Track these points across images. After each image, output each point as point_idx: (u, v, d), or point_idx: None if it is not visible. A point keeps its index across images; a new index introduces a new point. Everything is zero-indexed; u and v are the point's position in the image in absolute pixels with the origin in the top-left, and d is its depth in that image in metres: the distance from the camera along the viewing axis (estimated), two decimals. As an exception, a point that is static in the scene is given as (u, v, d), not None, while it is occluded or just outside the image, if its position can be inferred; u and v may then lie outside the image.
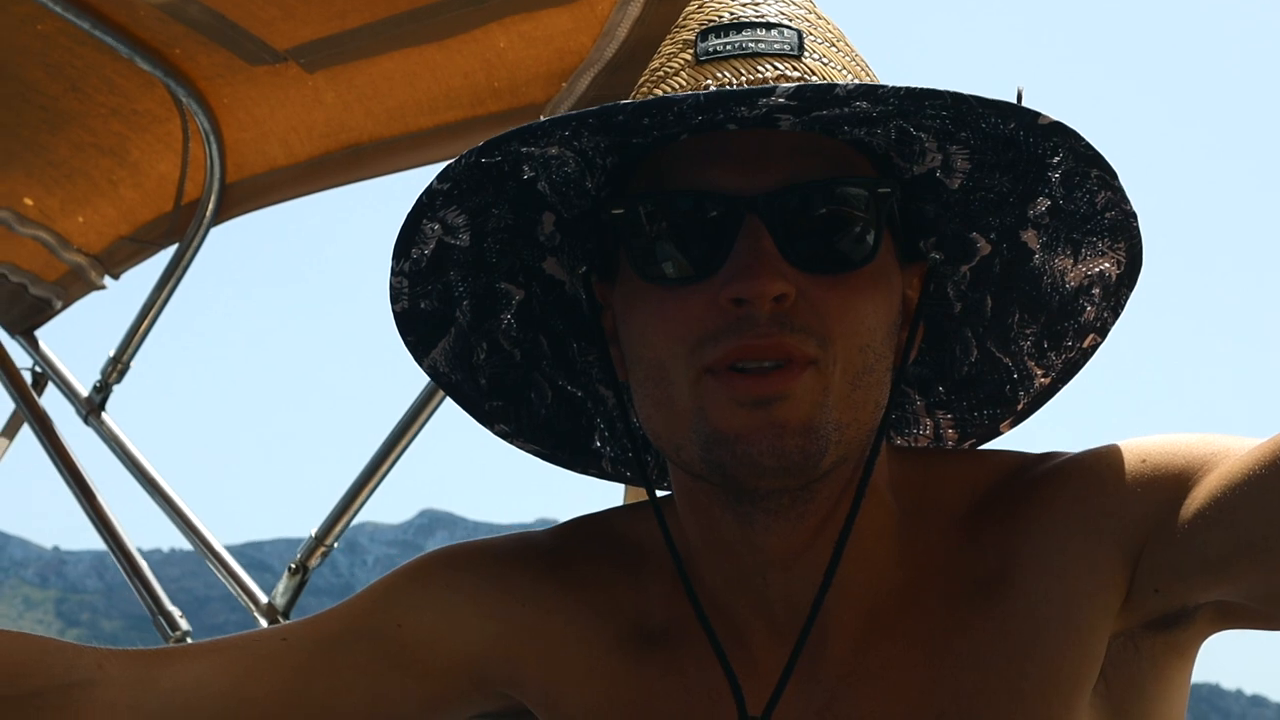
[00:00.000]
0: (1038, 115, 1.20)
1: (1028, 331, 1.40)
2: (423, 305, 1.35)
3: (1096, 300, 1.37)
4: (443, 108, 2.74)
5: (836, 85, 1.15)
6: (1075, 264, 1.35)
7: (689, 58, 1.29)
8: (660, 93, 1.28)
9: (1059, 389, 1.44)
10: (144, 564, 2.90)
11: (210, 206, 2.88)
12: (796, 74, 1.25)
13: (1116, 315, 1.38)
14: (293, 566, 2.74)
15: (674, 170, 1.25)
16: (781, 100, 1.15)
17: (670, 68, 1.30)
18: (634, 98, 1.32)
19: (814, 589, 1.28)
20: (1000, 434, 1.49)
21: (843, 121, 1.24)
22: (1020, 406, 1.46)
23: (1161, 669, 1.32)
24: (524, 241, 1.35)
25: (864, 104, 1.18)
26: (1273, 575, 1.16)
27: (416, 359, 1.39)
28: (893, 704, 1.29)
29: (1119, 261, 1.34)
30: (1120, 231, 1.31)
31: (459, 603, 1.40)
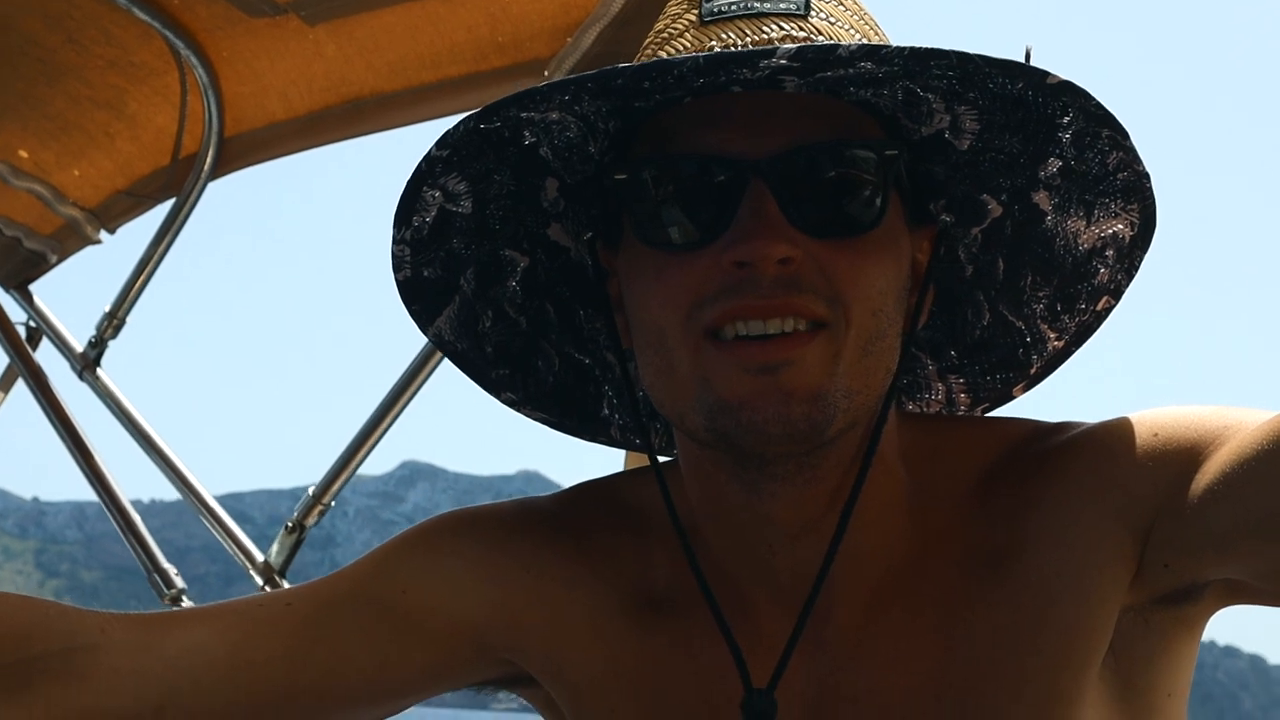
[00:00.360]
0: (1046, 74, 1.19)
1: (1040, 294, 1.39)
2: (426, 273, 1.33)
3: (1110, 262, 1.35)
4: (445, 62, 2.71)
5: (839, 46, 1.13)
6: (1088, 225, 1.33)
7: (693, 18, 1.27)
8: (665, 54, 1.26)
9: (1072, 352, 1.43)
10: (139, 520, 2.88)
11: (208, 160, 2.85)
12: (803, 34, 1.23)
13: (1130, 277, 1.36)
14: (289, 525, 2.73)
15: (677, 133, 1.24)
16: (783, 62, 1.13)
17: (674, 29, 1.28)
18: (639, 60, 1.30)
19: (820, 558, 1.27)
20: (1013, 398, 1.48)
21: (848, 83, 1.22)
22: (1033, 370, 1.45)
23: (1170, 642, 1.32)
24: (527, 208, 1.34)
25: (869, 65, 1.16)
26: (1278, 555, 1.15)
27: (421, 328, 1.38)
28: (900, 675, 1.29)
29: (1132, 223, 1.32)
30: (1133, 192, 1.30)
31: (463, 569, 1.39)
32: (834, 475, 1.26)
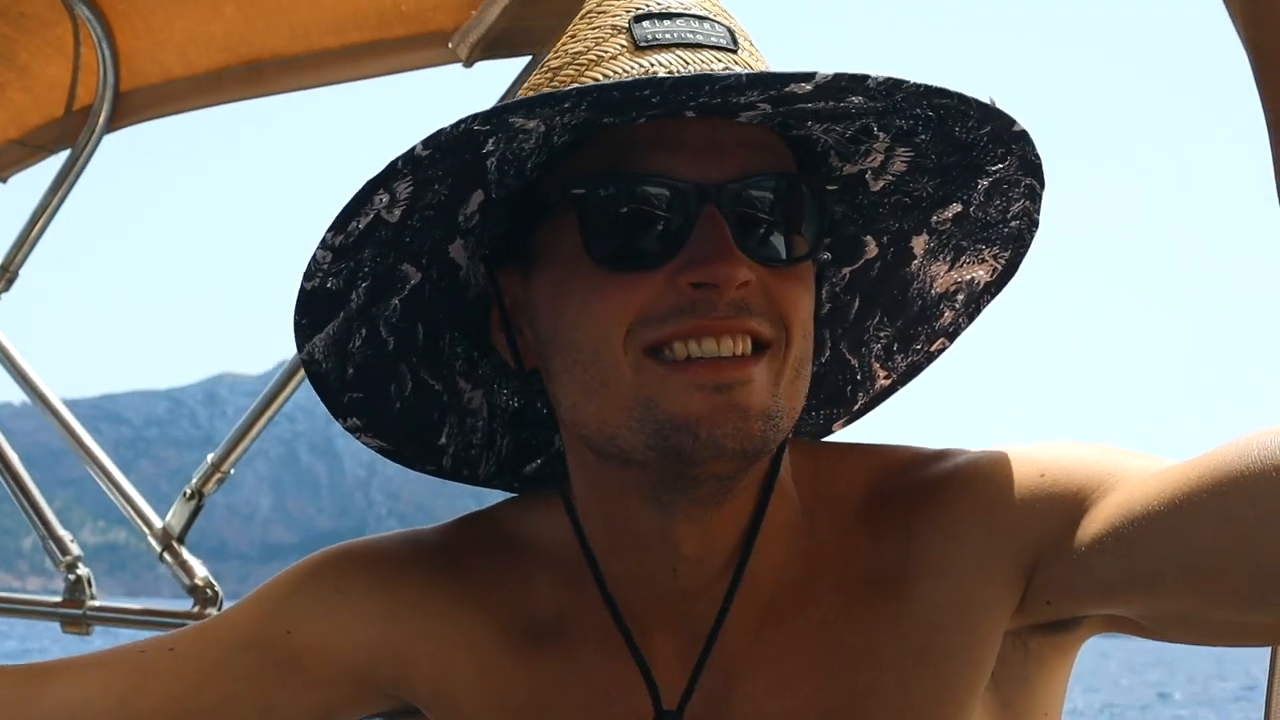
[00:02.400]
0: (1013, 122, 1.22)
1: (881, 334, 1.42)
2: (329, 285, 1.29)
3: (957, 306, 1.39)
4: (348, 28, 2.70)
5: (868, 76, 1.14)
6: (949, 270, 1.37)
7: (624, 43, 1.26)
8: (599, 75, 1.25)
9: (897, 390, 1.47)
10: (34, 489, 2.86)
11: (103, 113, 2.81)
12: (739, 68, 1.23)
13: (970, 321, 1.40)
14: (188, 492, 2.72)
15: (629, 154, 1.23)
16: (805, 87, 1.14)
17: (603, 52, 1.27)
18: (560, 84, 1.27)
19: (719, 581, 1.30)
20: (831, 432, 1.50)
21: (816, 116, 1.24)
22: (856, 407, 1.48)
23: (1047, 665, 1.36)
24: (442, 220, 1.31)
25: (858, 99, 1.19)
26: (1161, 603, 1.20)
27: (299, 342, 1.34)
28: (786, 698, 1.32)
29: (994, 270, 1.36)
30: (1012, 240, 1.34)
31: (349, 608, 1.39)
32: (742, 498, 1.28)
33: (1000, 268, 1.36)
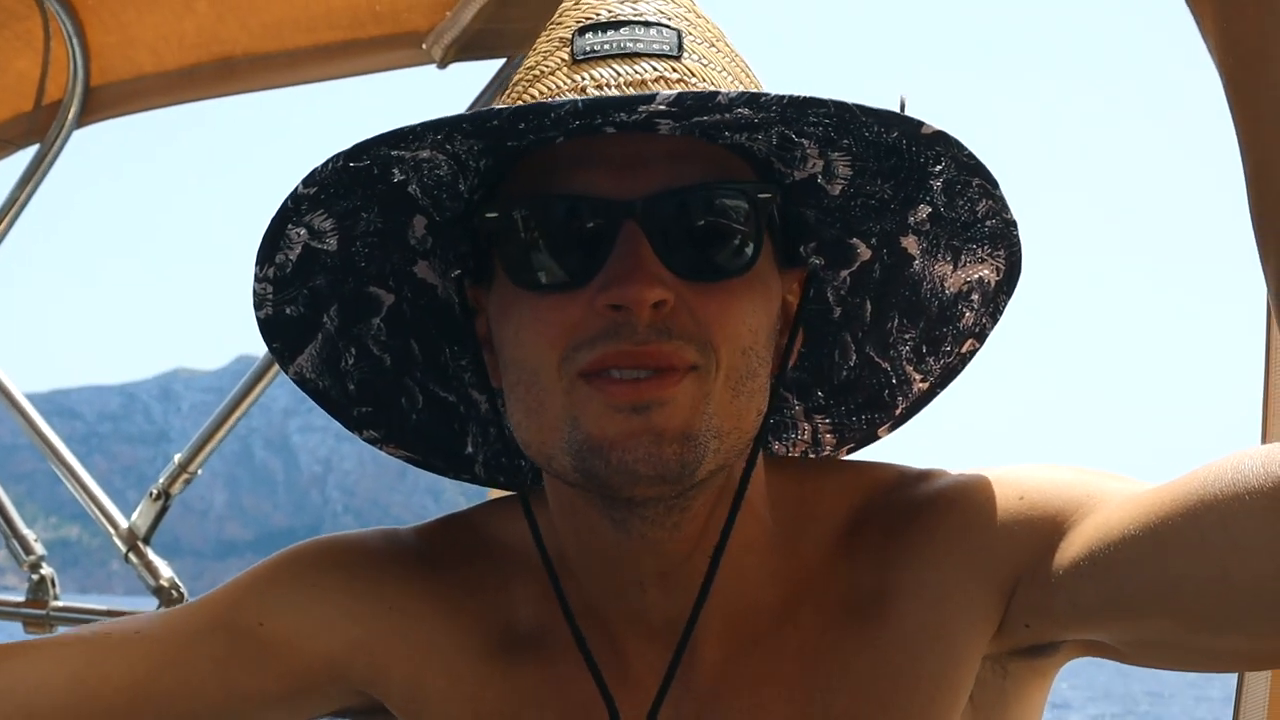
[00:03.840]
0: (921, 124, 1.19)
1: (906, 336, 1.41)
2: (288, 311, 1.30)
3: (975, 306, 1.38)
4: (322, 27, 2.69)
5: (718, 93, 1.12)
6: (955, 270, 1.36)
7: (565, 56, 1.25)
8: (536, 92, 1.25)
9: (936, 394, 1.45)
10: (-1, 489, 2.84)
11: (73, 108, 2.80)
12: (675, 75, 1.23)
13: (995, 321, 1.39)
14: (154, 493, 2.70)
15: (550, 173, 1.22)
16: (661, 107, 1.12)
17: (546, 66, 1.27)
18: (508, 99, 1.28)
19: (690, 600, 1.28)
20: (878, 438, 1.50)
21: (724, 127, 1.21)
22: (898, 411, 1.47)
23: (1024, 689, 1.36)
24: (395, 244, 1.30)
25: (746, 110, 1.15)
26: (1138, 628, 1.20)
27: (282, 365, 1.34)
28: (763, 719, 1.31)
29: (998, 268, 1.34)
30: (1000, 239, 1.32)
31: (325, 604, 1.37)
32: (700, 517, 1.27)
33: (1002, 266, 1.35)
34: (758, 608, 1.32)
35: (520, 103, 1.23)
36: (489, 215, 1.22)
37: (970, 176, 1.26)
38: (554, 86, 1.23)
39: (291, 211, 1.21)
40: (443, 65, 2.67)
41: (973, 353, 1.42)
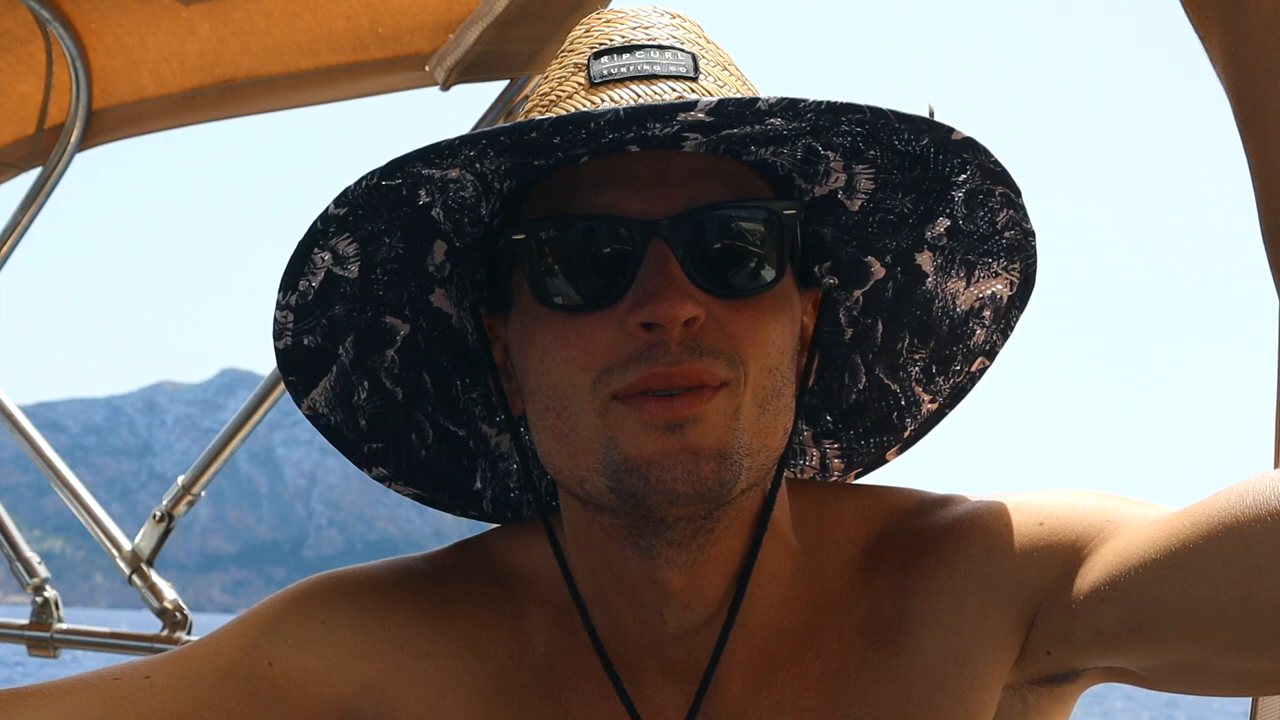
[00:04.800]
0: (951, 130, 1.20)
1: (917, 357, 1.41)
2: (306, 342, 1.28)
3: (987, 323, 1.38)
4: (324, 50, 2.70)
5: (758, 99, 1.12)
6: (968, 286, 1.36)
7: (582, 81, 1.26)
8: (555, 115, 1.22)
9: (946, 414, 1.45)
10: (1, 511, 2.83)
11: (75, 131, 2.80)
12: (695, 95, 1.23)
13: (1005, 338, 1.39)
14: (158, 514, 2.70)
15: (574, 194, 1.22)
16: (700, 116, 1.12)
17: (562, 91, 1.27)
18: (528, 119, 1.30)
19: (710, 626, 1.28)
20: (886, 461, 1.49)
21: (749, 140, 1.22)
22: (907, 433, 1.46)
23: (1046, 714, 1.36)
24: (413, 273, 1.30)
25: (778, 121, 1.16)
26: (1161, 652, 1.20)
27: (296, 400, 1.33)
28: None
29: (1011, 282, 1.35)
30: (1017, 251, 1.32)
31: (334, 642, 1.35)
32: (728, 540, 1.26)
33: (1016, 280, 1.35)
34: (780, 634, 1.32)
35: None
36: (515, 237, 1.22)
37: (994, 185, 1.26)
38: (575, 108, 1.23)
39: (320, 234, 1.20)
40: (446, 88, 2.67)
41: (982, 371, 1.42)
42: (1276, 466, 1.48)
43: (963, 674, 1.29)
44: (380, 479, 1.39)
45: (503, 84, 2.69)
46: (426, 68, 2.64)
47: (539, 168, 1.23)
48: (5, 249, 2.95)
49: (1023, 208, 1.29)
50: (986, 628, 1.28)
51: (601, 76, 1.24)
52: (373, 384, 1.34)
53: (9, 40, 2.74)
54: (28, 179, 2.97)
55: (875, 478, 1.52)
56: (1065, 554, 1.26)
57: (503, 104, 2.67)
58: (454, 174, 1.19)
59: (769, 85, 1.35)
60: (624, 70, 1.24)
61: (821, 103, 1.14)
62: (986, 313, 1.38)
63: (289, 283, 1.23)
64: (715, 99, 1.11)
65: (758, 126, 1.17)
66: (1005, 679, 1.30)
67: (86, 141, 2.85)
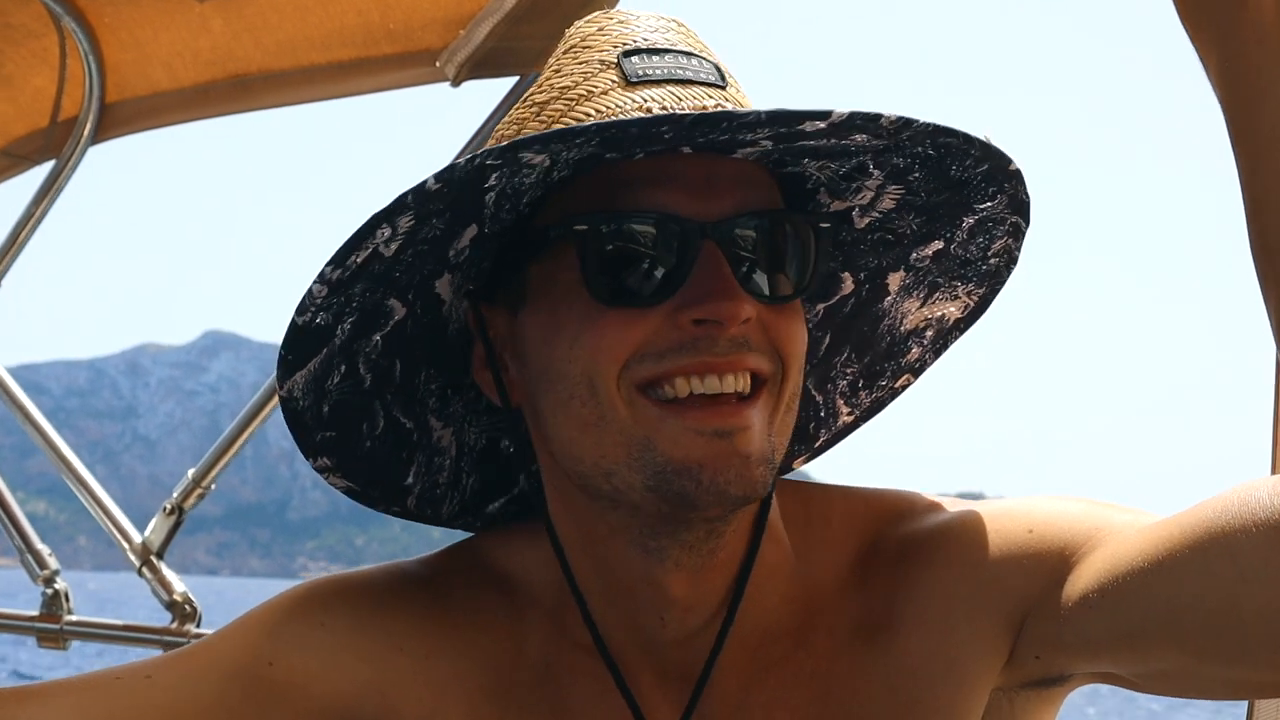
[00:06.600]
0: (1010, 161, 1.24)
1: (848, 371, 1.43)
2: (319, 320, 1.27)
3: (925, 342, 1.41)
4: (335, 45, 2.71)
5: (881, 115, 1.15)
6: (921, 306, 1.38)
7: (614, 78, 1.25)
8: (591, 110, 1.24)
9: (859, 426, 1.48)
10: (13, 502, 2.85)
11: (89, 125, 2.81)
12: (729, 104, 1.24)
13: (937, 357, 1.42)
14: (168, 508, 2.71)
15: (626, 190, 1.23)
16: (819, 125, 1.15)
17: (594, 87, 1.26)
18: (548, 117, 1.27)
19: (706, 627, 1.30)
20: (792, 470, 1.50)
21: (806, 153, 1.25)
22: (819, 444, 1.49)
23: (1033, 716, 1.38)
24: (435, 256, 1.29)
25: (862, 137, 1.20)
26: (1148, 660, 1.22)
27: (280, 379, 1.31)
28: None
29: (967, 306, 1.38)
30: (990, 277, 1.35)
31: (333, 644, 1.36)
32: (733, 542, 1.29)
33: (973, 304, 1.38)
34: (774, 633, 1.34)
35: (572, 121, 1.23)
36: (578, 227, 1.22)
37: (1012, 215, 1.30)
38: (614, 105, 1.23)
39: (403, 209, 1.19)
40: (456, 83, 2.69)
41: (905, 387, 1.44)
42: (1274, 472, 1.50)
43: (951, 676, 1.31)
44: (321, 470, 1.38)
45: (513, 80, 2.71)
46: (437, 63, 2.65)
47: (595, 161, 1.23)
48: (19, 241, 2.96)
49: (1023, 237, 1.31)
50: (975, 632, 1.30)
51: (638, 76, 1.25)
52: (349, 368, 1.32)
53: (23, 34, 2.74)
54: (41, 171, 2.98)
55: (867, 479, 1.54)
56: (1053, 561, 1.28)
57: (513, 100, 2.69)
58: (539, 159, 1.19)
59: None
60: (660, 72, 1.25)
61: (930, 125, 1.18)
62: (929, 333, 1.40)
63: (342, 257, 1.22)
64: (848, 110, 1.14)
65: (828, 141, 1.20)
66: (994, 682, 1.32)
67: (99, 135, 2.85)
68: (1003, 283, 1.36)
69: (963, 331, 1.39)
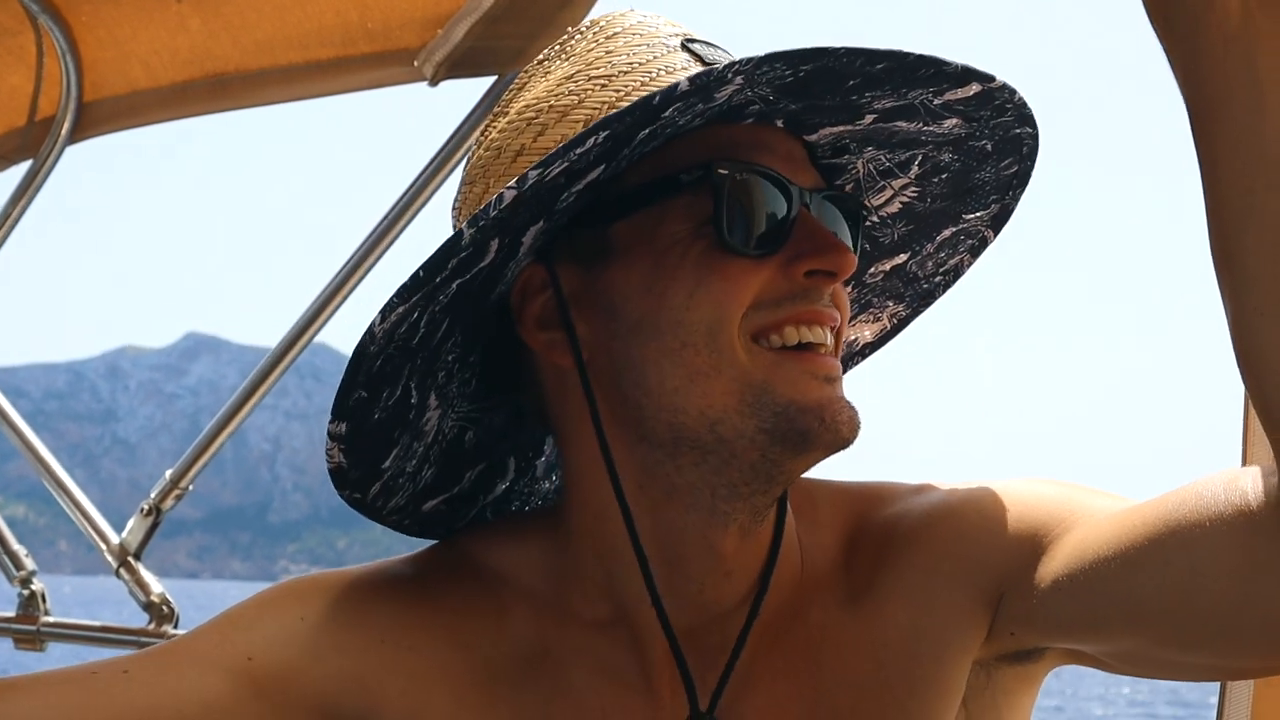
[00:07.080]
0: (1034, 165, 1.33)
1: None
2: (414, 315, 1.25)
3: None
4: (313, 44, 2.71)
5: (1016, 91, 1.26)
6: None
7: (689, 59, 1.30)
8: (662, 85, 1.26)
9: None
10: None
11: (66, 123, 2.80)
12: None
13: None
14: (145, 508, 2.70)
15: (733, 151, 1.28)
16: (967, 93, 1.27)
17: (670, 64, 1.30)
18: (621, 89, 1.29)
19: (735, 597, 1.33)
20: None
21: (870, 142, 1.34)
22: None
23: (1012, 695, 1.42)
24: (553, 194, 1.26)
25: (955, 122, 1.29)
26: (1112, 642, 1.26)
27: (382, 314, 1.25)
28: (779, 714, 1.35)
29: (881, 330, 1.44)
30: (920, 299, 1.42)
31: (313, 637, 1.35)
32: (773, 509, 1.34)
33: (889, 326, 1.44)
34: (779, 607, 1.37)
35: (645, 92, 1.25)
36: (720, 170, 1.25)
37: (988, 228, 1.36)
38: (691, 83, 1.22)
39: (551, 181, 1.21)
40: (434, 83, 2.69)
41: None
42: (1245, 463, 1.53)
43: (935, 650, 1.34)
44: (333, 436, 1.34)
45: (490, 79, 2.71)
46: (415, 63, 2.66)
47: (731, 113, 1.27)
48: (-2, 237, 2.95)
49: (981, 254, 1.39)
50: (955, 607, 1.34)
51: (708, 61, 1.30)
52: (420, 313, 1.28)
53: (-1, 32, 2.74)
54: (17, 171, 2.97)
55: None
56: (1028, 541, 1.32)
57: (491, 99, 2.69)
58: (684, 119, 1.24)
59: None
60: (727, 59, 1.30)
61: (1029, 111, 1.29)
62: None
63: (549, 162, 1.20)
64: (998, 79, 1.26)
65: (910, 126, 1.30)
66: (974, 655, 1.36)
67: (77, 134, 2.84)
68: (929, 305, 1.42)
69: (865, 357, 1.45)
